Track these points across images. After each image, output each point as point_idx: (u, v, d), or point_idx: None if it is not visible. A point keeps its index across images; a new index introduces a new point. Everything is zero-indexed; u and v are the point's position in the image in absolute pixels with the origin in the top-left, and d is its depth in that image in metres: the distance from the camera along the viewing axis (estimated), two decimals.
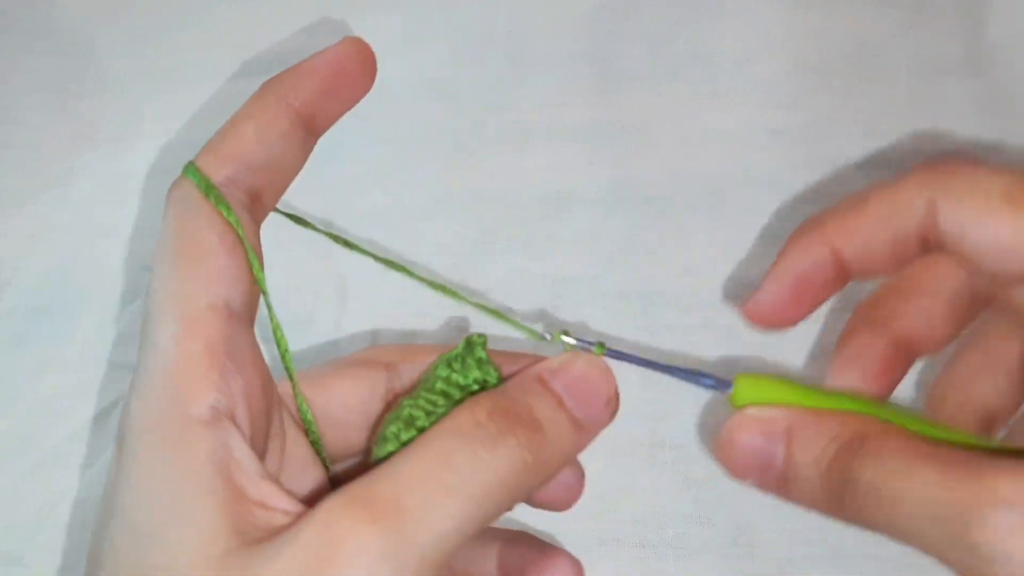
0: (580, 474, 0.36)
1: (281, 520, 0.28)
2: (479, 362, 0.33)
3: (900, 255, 0.31)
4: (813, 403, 0.32)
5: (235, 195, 0.31)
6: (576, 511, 0.37)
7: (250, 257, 0.31)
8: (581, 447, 0.32)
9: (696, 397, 0.49)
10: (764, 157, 0.53)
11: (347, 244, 0.36)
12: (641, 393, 0.49)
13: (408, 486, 0.28)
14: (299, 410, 0.35)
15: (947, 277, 0.32)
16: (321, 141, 0.56)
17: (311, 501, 0.28)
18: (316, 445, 0.35)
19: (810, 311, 0.33)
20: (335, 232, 0.36)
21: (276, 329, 0.34)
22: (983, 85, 0.54)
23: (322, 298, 0.52)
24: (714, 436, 0.48)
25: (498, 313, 0.35)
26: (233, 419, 0.29)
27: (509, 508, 0.30)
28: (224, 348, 0.29)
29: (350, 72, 0.33)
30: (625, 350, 0.34)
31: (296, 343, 0.46)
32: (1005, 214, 0.28)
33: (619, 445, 0.41)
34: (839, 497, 0.30)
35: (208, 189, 0.31)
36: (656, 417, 0.48)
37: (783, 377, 0.33)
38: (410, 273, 0.35)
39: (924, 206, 0.30)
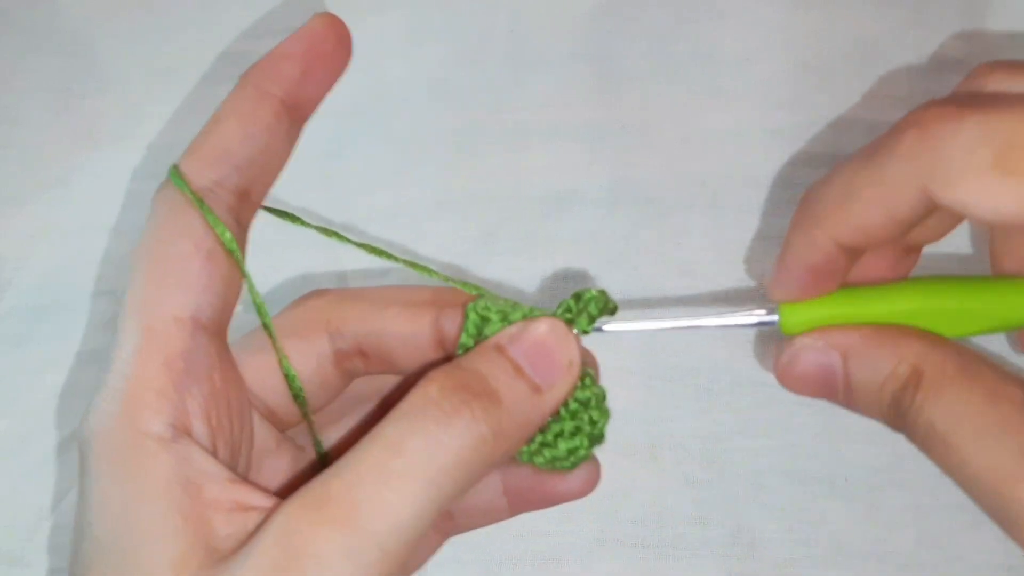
0: (595, 464, 0.35)
1: (256, 519, 0.28)
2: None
3: (902, 229, 0.31)
4: (861, 313, 0.32)
5: (221, 197, 0.30)
6: (576, 511, 0.37)
7: (236, 259, 0.30)
8: (545, 413, 0.31)
9: (696, 397, 0.49)
10: (764, 157, 0.53)
11: (337, 236, 0.35)
12: (641, 394, 0.49)
13: (360, 479, 0.27)
14: (292, 393, 0.34)
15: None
16: (322, 141, 0.57)
17: (290, 487, 0.28)
18: (310, 426, 0.35)
19: (832, 289, 0.33)
20: (325, 227, 0.36)
21: (260, 306, 0.33)
22: None
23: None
24: (714, 438, 0.48)
25: (507, 301, 0.34)
26: (190, 433, 0.29)
27: (474, 483, 0.29)
28: (184, 363, 0.29)
29: (326, 50, 0.32)
30: (656, 317, 0.34)
31: None
32: (1003, 190, 0.27)
33: (619, 446, 0.41)
34: (900, 426, 0.31)
35: (191, 195, 0.30)
36: (656, 418, 0.48)
37: (833, 293, 0.33)
38: (394, 258, 0.35)
39: (919, 192, 0.29)
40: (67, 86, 0.59)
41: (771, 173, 0.53)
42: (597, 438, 0.33)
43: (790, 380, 0.33)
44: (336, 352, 0.35)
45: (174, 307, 0.29)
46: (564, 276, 0.52)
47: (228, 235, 0.30)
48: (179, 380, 0.29)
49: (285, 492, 0.28)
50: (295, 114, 0.32)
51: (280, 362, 0.34)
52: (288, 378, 0.34)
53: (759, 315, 0.33)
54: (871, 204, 0.30)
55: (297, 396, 0.34)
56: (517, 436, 0.30)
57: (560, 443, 0.33)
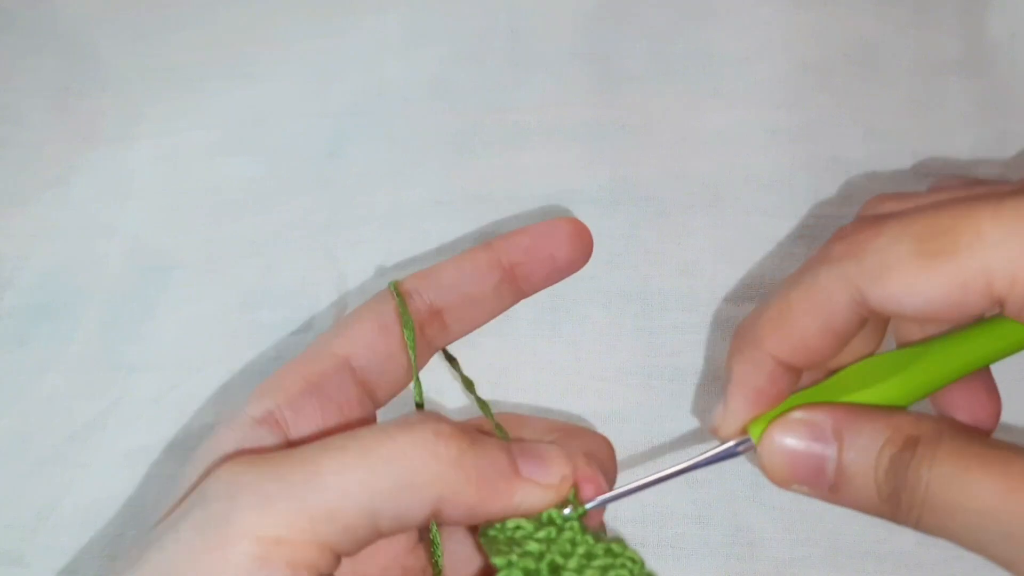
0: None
1: None
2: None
3: (842, 340, 0.31)
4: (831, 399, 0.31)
5: (416, 301, 0.35)
6: None
7: (405, 324, 0.34)
8: (515, 493, 0.31)
9: (696, 397, 0.49)
10: (764, 157, 0.53)
11: (484, 407, 0.37)
12: (640, 395, 0.49)
13: (306, 446, 0.29)
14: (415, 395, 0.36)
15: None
16: (322, 142, 0.57)
17: None
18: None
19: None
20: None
21: (417, 387, 0.36)
22: (983, 85, 0.54)
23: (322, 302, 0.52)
24: (714, 438, 0.48)
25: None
26: (285, 430, 0.32)
27: (412, 502, 0.29)
28: (317, 379, 0.33)
29: (556, 239, 0.37)
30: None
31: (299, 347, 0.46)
32: (928, 275, 0.28)
33: (619, 446, 0.41)
34: (895, 504, 0.29)
35: (394, 286, 0.35)
36: (655, 418, 0.48)
37: (786, 406, 0.32)
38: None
39: (848, 297, 0.29)
40: (67, 86, 0.59)
41: (771, 173, 0.53)
42: None
43: (776, 457, 0.32)
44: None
45: (334, 345, 0.34)
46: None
47: (405, 306, 0.34)
48: (305, 390, 0.33)
49: None
50: (513, 281, 0.37)
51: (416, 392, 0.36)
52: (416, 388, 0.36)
53: (733, 442, 0.33)
54: (806, 316, 0.31)
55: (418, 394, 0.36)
56: (474, 486, 0.30)
57: None
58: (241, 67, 0.59)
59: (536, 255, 0.37)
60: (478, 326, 0.37)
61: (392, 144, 0.56)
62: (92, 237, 0.55)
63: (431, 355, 0.37)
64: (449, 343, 0.37)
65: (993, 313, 0.29)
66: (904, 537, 0.46)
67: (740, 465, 0.47)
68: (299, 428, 0.32)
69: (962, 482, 0.28)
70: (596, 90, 0.56)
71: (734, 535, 0.46)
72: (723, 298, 0.50)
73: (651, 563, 0.46)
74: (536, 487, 0.31)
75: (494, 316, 0.37)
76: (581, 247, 0.37)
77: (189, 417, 0.50)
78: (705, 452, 0.34)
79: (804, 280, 0.31)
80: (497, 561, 0.30)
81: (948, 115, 0.54)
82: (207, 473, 0.30)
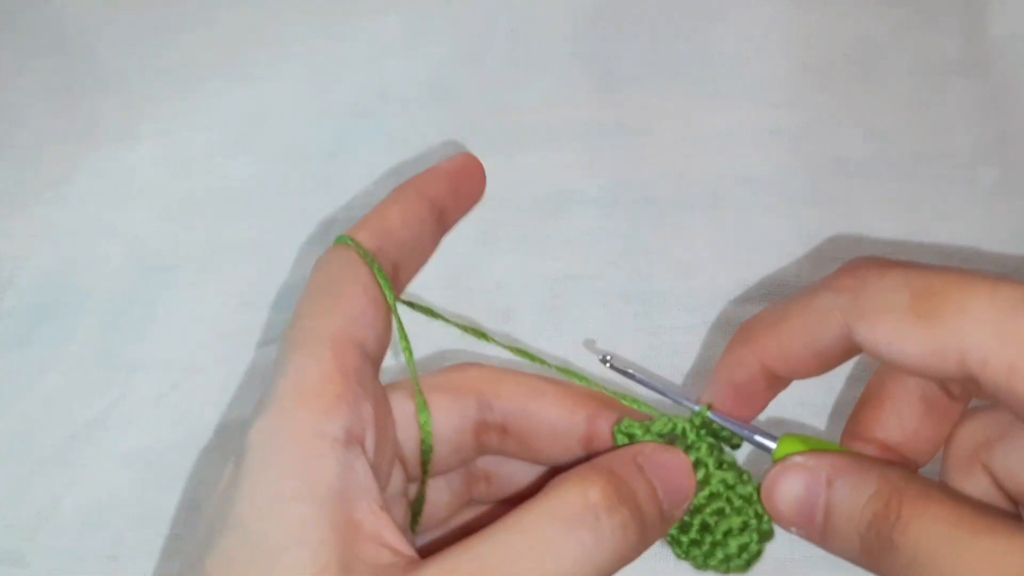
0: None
1: (388, 559, 0.28)
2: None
3: (823, 363, 0.32)
4: None
5: (383, 264, 0.34)
6: None
7: (392, 307, 0.33)
8: (655, 540, 0.31)
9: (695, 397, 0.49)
10: (764, 157, 0.53)
11: (480, 335, 0.37)
12: (640, 395, 0.49)
13: (506, 565, 0.27)
14: (422, 438, 0.34)
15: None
16: (322, 142, 0.57)
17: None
18: (426, 466, 0.35)
19: (757, 411, 0.34)
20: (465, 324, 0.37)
21: (407, 354, 0.35)
22: (983, 85, 0.54)
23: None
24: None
25: (637, 402, 0.35)
26: (363, 443, 0.29)
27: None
28: (357, 378, 0.30)
29: (470, 178, 0.38)
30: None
31: None
32: (913, 330, 0.28)
33: None
34: (879, 559, 0.29)
35: (363, 252, 0.33)
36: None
37: (825, 441, 0.33)
38: (545, 363, 0.36)
39: (839, 324, 0.30)
40: (67, 86, 0.60)
41: (771, 173, 0.53)
42: (767, 533, 0.33)
43: (774, 498, 0.32)
44: (479, 422, 0.35)
45: (347, 332, 0.31)
46: (564, 277, 0.52)
47: (387, 283, 0.33)
48: (356, 390, 0.30)
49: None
50: (441, 219, 0.36)
51: (417, 408, 0.34)
52: (422, 426, 0.34)
53: (760, 438, 0.33)
54: (795, 332, 0.32)
55: (425, 444, 0.34)
56: (634, 555, 0.30)
57: (731, 541, 0.33)
58: (241, 68, 0.59)
59: (460, 194, 0.37)
60: (418, 272, 0.37)
61: (392, 144, 0.56)
62: (93, 237, 0.55)
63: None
64: (401, 293, 0.36)
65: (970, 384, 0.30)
66: None
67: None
68: (367, 437, 0.30)
69: (950, 553, 0.27)
70: (596, 90, 0.56)
71: None
72: (723, 298, 0.50)
73: (651, 563, 0.46)
74: (675, 519, 0.32)
75: (429, 259, 0.37)
76: (483, 185, 0.38)
77: (189, 417, 0.50)
78: (743, 424, 0.34)
79: (805, 298, 0.32)
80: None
81: (948, 115, 0.54)
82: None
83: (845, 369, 0.48)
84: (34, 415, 0.51)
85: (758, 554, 0.33)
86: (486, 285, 0.52)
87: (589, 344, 0.50)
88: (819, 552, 0.46)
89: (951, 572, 0.27)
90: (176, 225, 0.55)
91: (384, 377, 0.33)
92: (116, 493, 0.49)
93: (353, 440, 0.29)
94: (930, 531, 0.28)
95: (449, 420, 0.34)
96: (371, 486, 0.29)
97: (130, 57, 0.60)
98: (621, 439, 0.33)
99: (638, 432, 0.33)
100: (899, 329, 0.29)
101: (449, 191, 0.37)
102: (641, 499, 0.30)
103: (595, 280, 0.51)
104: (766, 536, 0.33)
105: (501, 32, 0.58)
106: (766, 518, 0.33)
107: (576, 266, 0.52)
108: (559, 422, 0.34)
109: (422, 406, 0.34)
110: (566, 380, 0.35)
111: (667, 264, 0.51)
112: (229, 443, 0.48)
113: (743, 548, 0.33)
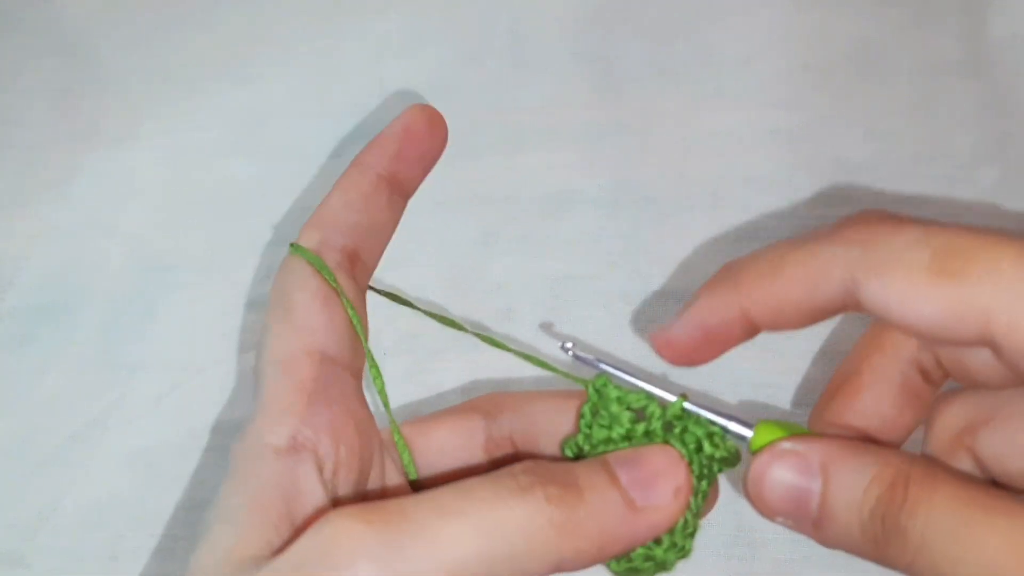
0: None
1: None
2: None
3: (812, 318, 0.30)
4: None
5: (330, 256, 0.34)
6: None
7: (347, 309, 0.33)
8: (638, 529, 0.30)
9: (696, 396, 0.49)
10: (764, 157, 0.53)
11: (445, 321, 0.37)
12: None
13: (418, 503, 0.27)
14: (397, 450, 0.35)
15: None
16: (323, 143, 0.57)
17: None
18: (410, 480, 0.35)
19: (713, 357, 0.32)
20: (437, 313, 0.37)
21: (373, 368, 0.34)
22: (983, 85, 0.54)
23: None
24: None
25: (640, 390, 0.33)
26: (315, 450, 0.30)
27: (527, 568, 0.28)
28: (313, 386, 0.31)
29: (420, 134, 0.37)
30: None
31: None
32: (931, 290, 0.26)
33: None
34: (883, 546, 0.28)
35: (305, 253, 0.33)
36: None
37: (803, 427, 0.32)
38: (519, 354, 0.35)
39: (843, 280, 0.28)
40: (67, 86, 0.60)
41: (771, 173, 0.53)
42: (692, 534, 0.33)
43: (763, 487, 0.31)
44: (488, 439, 0.35)
45: (302, 343, 0.32)
46: (564, 277, 0.52)
47: (332, 276, 0.33)
48: (308, 399, 0.31)
49: None
50: (397, 189, 0.36)
51: (395, 440, 0.35)
52: (401, 454, 0.35)
53: (735, 425, 0.32)
54: (791, 283, 0.30)
55: (403, 454, 0.35)
56: (594, 541, 0.29)
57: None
58: (242, 68, 0.59)
59: (409, 157, 0.36)
60: (386, 247, 0.36)
61: None
62: (93, 237, 0.55)
63: (364, 297, 0.36)
64: (370, 276, 0.36)
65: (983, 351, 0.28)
66: None
67: (740, 467, 0.47)
68: (321, 443, 0.31)
69: (965, 535, 0.26)
70: (596, 91, 0.56)
71: (735, 536, 0.46)
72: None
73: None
74: (654, 513, 0.30)
75: (394, 230, 0.37)
76: (441, 133, 0.37)
77: (189, 417, 0.50)
78: (717, 410, 0.33)
79: (806, 247, 0.30)
80: None
81: (948, 116, 0.54)
82: (310, 525, 0.28)
83: (811, 347, 0.48)
84: (34, 415, 0.51)
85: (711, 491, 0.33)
86: (486, 285, 0.52)
87: (546, 327, 0.50)
88: (819, 552, 0.46)
89: (966, 554, 0.26)
90: (176, 225, 0.55)
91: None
92: (116, 493, 0.49)
93: (299, 447, 0.30)
94: (942, 513, 0.27)
95: (455, 436, 0.35)
96: (311, 487, 0.30)
97: (131, 58, 0.60)
98: (592, 394, 0.33)
99: (586, 448, 0.32)
100: (917, 288, 0.27)
101: (396, 156, 0.36)
102: (587, 483, 0.29)
103: (595, 280, 0.51)
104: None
105: (501, 32, 0.58)
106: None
107: (576, 266, 0.52)
108: (557, 420, 0.34)
109: (401, 444, 0.35)
110: (566, 383, 0.35)
111: (667, 264, 0.51)
112: (229, 443, 0.48)
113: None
